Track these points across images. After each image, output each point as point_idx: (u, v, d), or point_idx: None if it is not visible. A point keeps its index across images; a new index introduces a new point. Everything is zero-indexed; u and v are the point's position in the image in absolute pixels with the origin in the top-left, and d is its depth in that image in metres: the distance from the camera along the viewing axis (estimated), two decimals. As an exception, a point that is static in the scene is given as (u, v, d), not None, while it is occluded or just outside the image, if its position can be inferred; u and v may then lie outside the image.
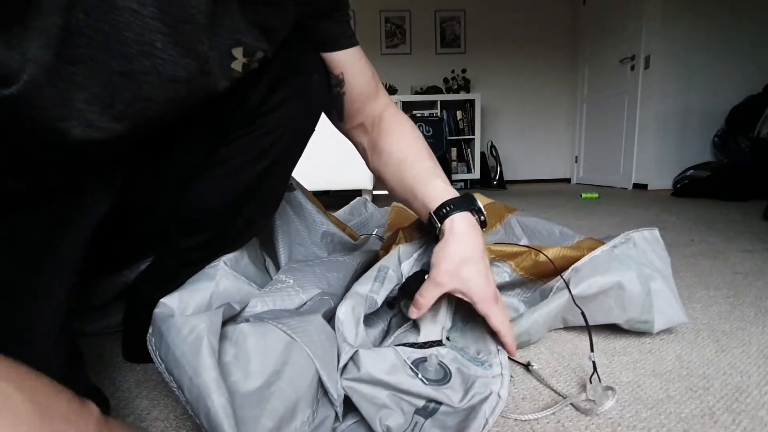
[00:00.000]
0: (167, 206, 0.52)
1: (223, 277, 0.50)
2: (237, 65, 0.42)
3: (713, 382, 0.50)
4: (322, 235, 0.74)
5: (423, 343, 0.50)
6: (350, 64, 0.55)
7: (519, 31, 4.07)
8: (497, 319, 0.50)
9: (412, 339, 0.52)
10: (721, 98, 2.89)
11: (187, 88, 0.39)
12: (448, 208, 0.52)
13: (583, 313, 0.55)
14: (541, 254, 0.64)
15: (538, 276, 0.67)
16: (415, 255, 0.60)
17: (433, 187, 0.54)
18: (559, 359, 0.56)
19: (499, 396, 0.43)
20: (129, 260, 0.62)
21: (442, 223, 0.52)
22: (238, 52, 0.41)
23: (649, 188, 3.09)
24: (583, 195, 2.77)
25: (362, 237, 0.85)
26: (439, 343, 0.51)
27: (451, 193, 0.54)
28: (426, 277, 0.52)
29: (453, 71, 3.99)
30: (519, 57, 4.12)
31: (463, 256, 0.50)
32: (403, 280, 0.58)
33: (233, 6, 0.39)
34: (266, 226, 0.65)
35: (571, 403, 0.46)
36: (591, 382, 0.50)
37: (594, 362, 0.51)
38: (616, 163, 3.44)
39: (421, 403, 0.42)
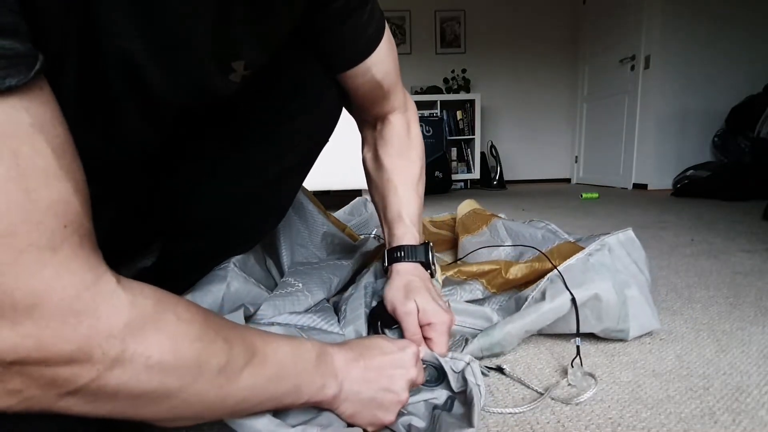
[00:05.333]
0: (170, 211, 0.52)
1: (234, 279, 0.50)
2: (236, 77, 0.40)
3: (713, 382, 0.50)
4: (322, 236, 0.74)
5: None
6: (360, 75, 0.51)
7: (519, 31, 4.07)
8: (440, 348, 0.48)
9: None
10: (721, 98, 2.89)
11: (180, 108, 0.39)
12: (399, 254, 0.54)
13: (575, 307, 0.55)
14: (510, 271, 0.66)
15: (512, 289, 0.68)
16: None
17: (400, 224, 0.56)
18: (558, 359, 0.57)
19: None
20: (130, 256, 0.61)
21: (390, 264, 0.55)
22: (238, 65, 0.39)
23: (649, 188, 3.09)
24: (583, 195, 2.77)
25: (362, 237, 0.85)
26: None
27: (411, 238, 0.55)
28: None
29: (453, 71, 3.98)
30: (519, 57, 4.12)
31: (409, 288, 0.50)
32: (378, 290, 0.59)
33: (236, 16, 0.35)
34: (270, 232, 0.65)
35: (550, 397, 0.46)
36: (572, 366, 0.50)
37: (578, 347, 0.51)
38: (616, 163, 3.44)
39: (442, 399, 0.44)
